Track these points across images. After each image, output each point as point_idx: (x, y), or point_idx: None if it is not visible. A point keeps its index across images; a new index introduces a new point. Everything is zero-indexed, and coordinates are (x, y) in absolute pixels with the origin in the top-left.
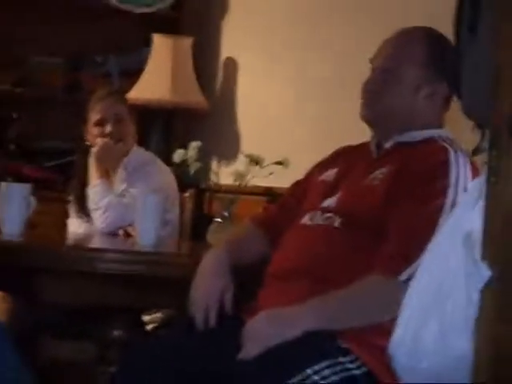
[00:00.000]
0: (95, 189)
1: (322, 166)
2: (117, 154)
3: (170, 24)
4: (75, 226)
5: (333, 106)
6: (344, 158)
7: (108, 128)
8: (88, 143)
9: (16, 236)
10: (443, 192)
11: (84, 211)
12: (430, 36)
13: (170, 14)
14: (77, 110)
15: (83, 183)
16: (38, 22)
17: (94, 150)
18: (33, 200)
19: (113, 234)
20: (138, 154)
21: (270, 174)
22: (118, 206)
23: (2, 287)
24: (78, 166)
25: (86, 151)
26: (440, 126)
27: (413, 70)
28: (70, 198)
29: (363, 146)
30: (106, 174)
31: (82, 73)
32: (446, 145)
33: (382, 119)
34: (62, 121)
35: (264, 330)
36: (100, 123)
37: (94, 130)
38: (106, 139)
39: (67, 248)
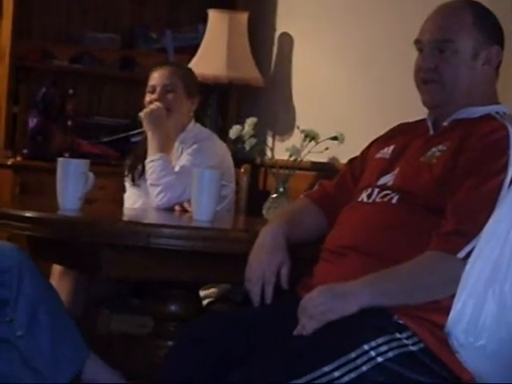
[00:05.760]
0: (155, 163)
1: (379, 143)
2: (164, 118)
3: None
4: (131, 202)
5: (389, 82)
6: (401, 135)
7: (155, 95)
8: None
9: (74, 211)
10: (502, 169)
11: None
12: (471, 2)
13: None
14: (131, 86)
15: (141, 157)
16: None
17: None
18: (91, 175)
19: (169, 209)
20: (194, 130)
21: (326, 149)
22: (178, 185)
23: (63, 262)
24: (141, 140)
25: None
26: (496, 99)
27: (466, 36)
28: (126, 167)
29: (420, 123)
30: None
31: (137, 49)
32: (505, 122)
33: (445, 102)
34: (117, 96)
35: (320, 306)
36: (151, 91)
37: (147, 97)
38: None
39: (124, 223)
